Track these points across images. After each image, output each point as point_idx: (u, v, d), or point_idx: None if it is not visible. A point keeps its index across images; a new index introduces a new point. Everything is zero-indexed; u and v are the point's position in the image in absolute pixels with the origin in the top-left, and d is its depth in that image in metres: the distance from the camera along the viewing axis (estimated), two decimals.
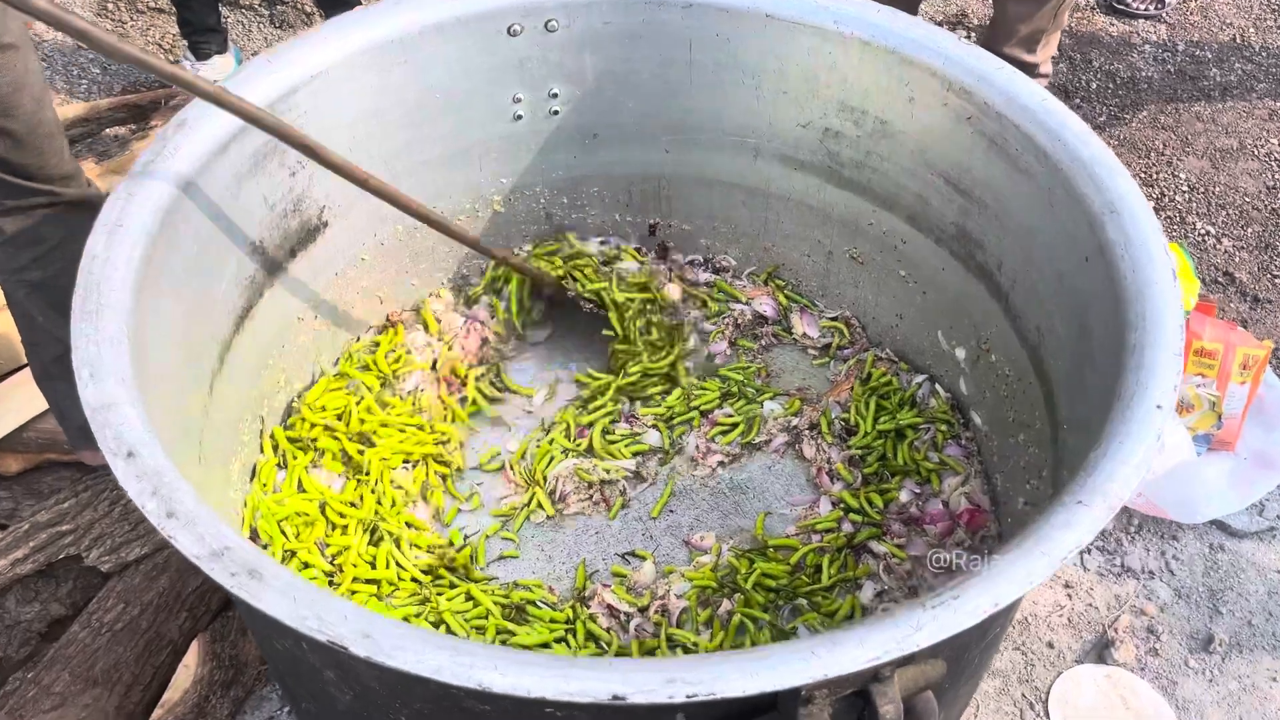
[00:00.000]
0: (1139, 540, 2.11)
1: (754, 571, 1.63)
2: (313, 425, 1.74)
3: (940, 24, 3.41)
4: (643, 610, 1.60)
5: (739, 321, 2.01)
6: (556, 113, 1.87)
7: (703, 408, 1.89)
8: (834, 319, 2.02)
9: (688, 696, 0.88)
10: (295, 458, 1.71)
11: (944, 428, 1.83)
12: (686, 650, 1.55)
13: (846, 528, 1.71)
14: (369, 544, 1.65)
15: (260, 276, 1.61)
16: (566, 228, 2.04)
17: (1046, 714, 1.87)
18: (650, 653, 1.55)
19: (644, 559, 1.70)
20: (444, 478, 1.78)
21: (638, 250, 2.06)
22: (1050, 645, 1.96)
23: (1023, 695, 1.90)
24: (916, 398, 1.88)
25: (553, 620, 1.58)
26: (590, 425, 1.84)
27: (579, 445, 1.82)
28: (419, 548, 1.66)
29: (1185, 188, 2.91)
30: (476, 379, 1.90)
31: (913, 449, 1.80)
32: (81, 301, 1.19)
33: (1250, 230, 2.80)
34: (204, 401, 1.46)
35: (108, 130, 2.83)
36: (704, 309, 2.02)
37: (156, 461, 1.05)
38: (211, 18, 2.93)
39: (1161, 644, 1.97)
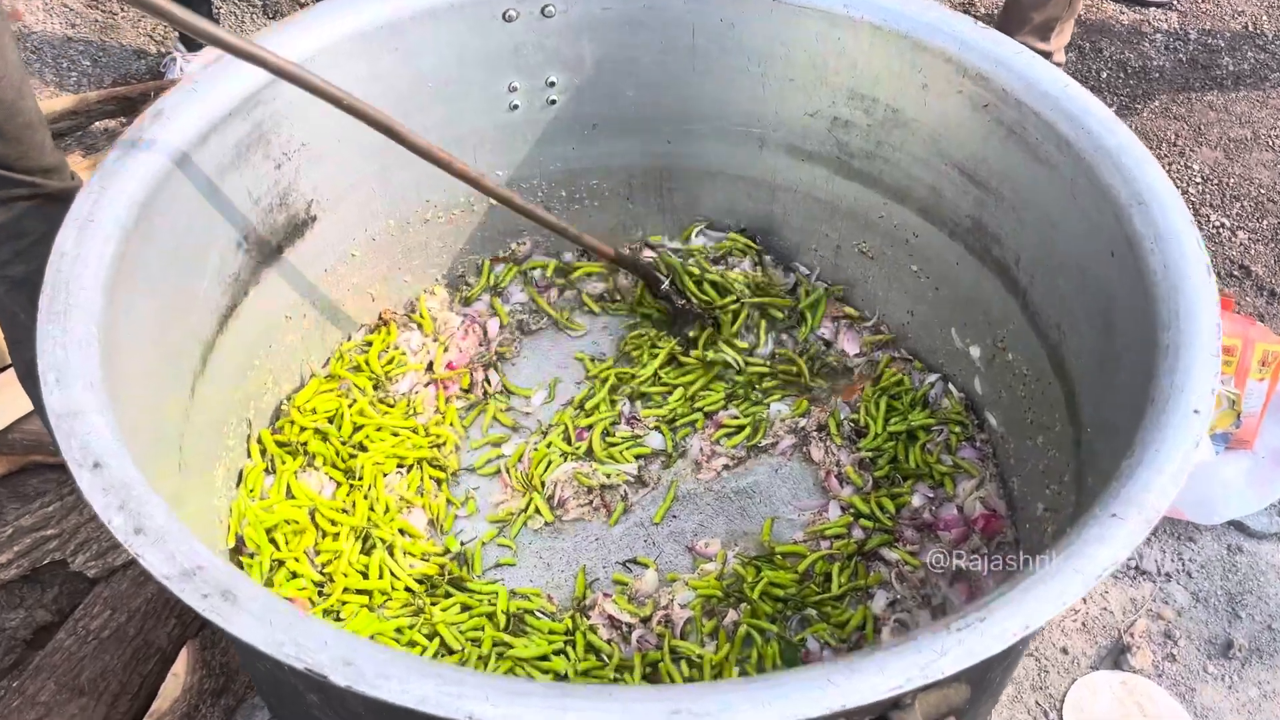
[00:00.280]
0: (1155, 542, 2.08)
1: (761, 580, 1.59)
2: (302, 429, 1.69)
3: None
4: (645, 621, 1.56)
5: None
6: (554, 102, 1.82)
7: (707, 409, 1.84)
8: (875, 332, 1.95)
9: None
10: (284, 462, 1.66)
11: (958, 429, 1.78)
12: (690, 663, 1.51)
13: (857, 534, 1.67)
14: (361, 552, 1.60)
15: (245, 273, 1.56)
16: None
17: None
18: (653, 665, 1.51)
19: (646, 567, 1.65)
20: (439, 483, 1.73)
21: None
22: (1064, 651, 1.93)
23: (1036, 703, 1.87)
24: (929, 398, 1.84)
25: (551, 631, 1.54)
26: (590, 427, 1.79)
27: (578, 448, 1.77)
28: (413, 555, 1.62)
29: (1199, 179, 2.86)
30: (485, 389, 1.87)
31: (925, 451, 1.75)
32: (49, 302, 1.15)
33: (1266, 222, 2.75)
34: (184, 404, 1.41)
35: (97, 124, 2.80)
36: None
37: (125, 473, 1.00)
38: (203, 8, 2.89)
39: (1179, 649, 1.94)
